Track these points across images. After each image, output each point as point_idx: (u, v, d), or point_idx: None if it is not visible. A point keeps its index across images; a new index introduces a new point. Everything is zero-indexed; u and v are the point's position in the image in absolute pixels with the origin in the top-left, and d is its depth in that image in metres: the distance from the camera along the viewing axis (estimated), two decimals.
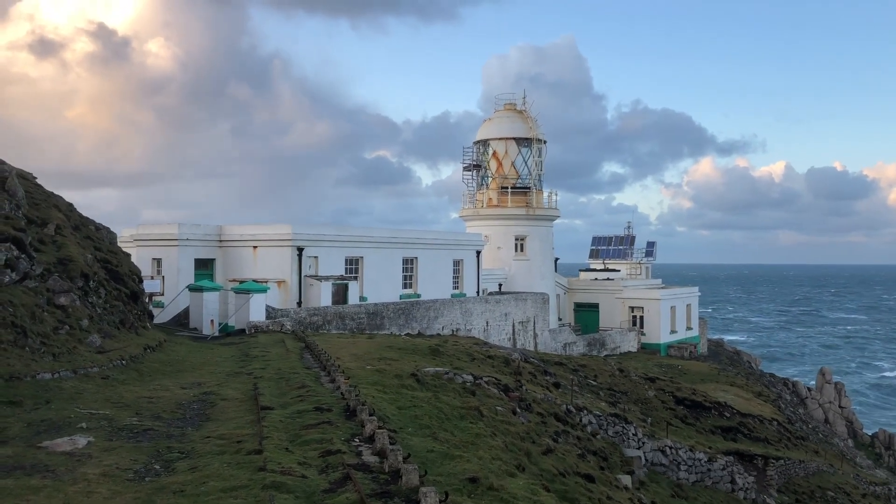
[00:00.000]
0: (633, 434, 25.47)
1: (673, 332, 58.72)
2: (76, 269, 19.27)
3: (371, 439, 10.50)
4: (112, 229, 27.02)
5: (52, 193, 24.22)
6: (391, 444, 10.10)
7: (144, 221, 39.27)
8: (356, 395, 13.12)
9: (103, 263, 22.21)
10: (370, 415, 11.69)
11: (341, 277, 35.45)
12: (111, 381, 15.12)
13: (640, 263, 66.49)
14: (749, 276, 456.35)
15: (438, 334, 34.10)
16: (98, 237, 24.31)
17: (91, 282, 19.85)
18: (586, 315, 59.04)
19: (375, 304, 35.12)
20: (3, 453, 9.42)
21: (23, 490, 8.07)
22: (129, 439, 10.73)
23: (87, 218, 25.42)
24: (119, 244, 27.23)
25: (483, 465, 10.12)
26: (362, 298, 36.51)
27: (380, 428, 10.78)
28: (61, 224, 21.29)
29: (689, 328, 61.53)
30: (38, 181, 24.47)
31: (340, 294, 34.71)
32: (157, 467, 9.40)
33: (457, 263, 44.24)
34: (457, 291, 43.93)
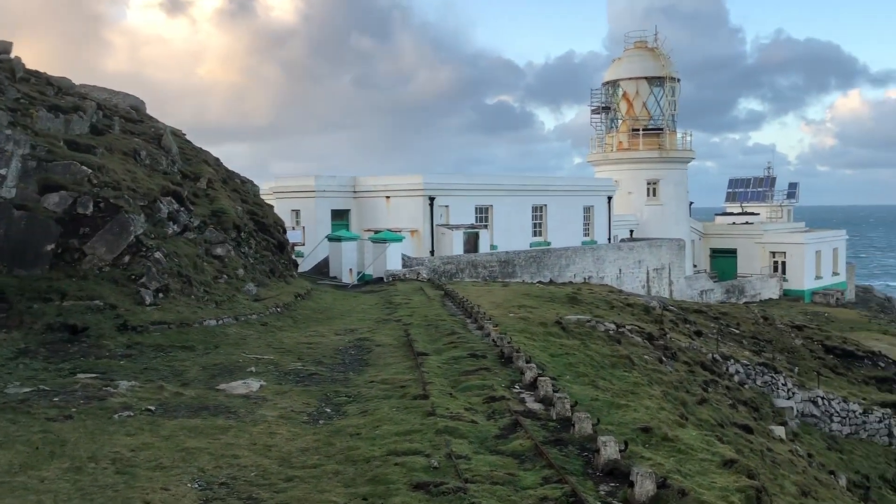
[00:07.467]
0: (783, 384, 24.32)
1: (818, 277, 55.42)
2: (229, 220, 20.10)
3: (532, 386, 10.38)
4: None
5: (200, 149, 25.27)
6: (555, 391, 9.94)
7: (275, 174, 40.62)
8: (509, 342, 13.03)
9: (251, 215, 23.08)
10: (527, 362, 11.57)
11: (472, 226, 35.48)
12: (270, 328, 15.75)
13: (781, 206, 62.72)
14: None
15: (570, 282, 33.61)
16: (244, 190, 25.27)
17: (242, 233, 20.69)
18: (723, 261, 56.57)
19: (507, 253, 34.96)
20: (188, 395, 9.95)
21: (212, 429, 8.48)
22: (297, 383, 11.11)
23: (233, 171, 26.42)
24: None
25: (652, 414, 9.80)
26: (492, 247, 36.45)
27: (540, 375, 10.64)
28: (212, 178, 22.21)
29: (835, 273, 57.89)
30: (187, 137, 25.60)
31: (472, 243, 34.79)
32: (329, 411, 9.66)
33: (587, 210, 43.31)
34: (587, 239, 43.09)
